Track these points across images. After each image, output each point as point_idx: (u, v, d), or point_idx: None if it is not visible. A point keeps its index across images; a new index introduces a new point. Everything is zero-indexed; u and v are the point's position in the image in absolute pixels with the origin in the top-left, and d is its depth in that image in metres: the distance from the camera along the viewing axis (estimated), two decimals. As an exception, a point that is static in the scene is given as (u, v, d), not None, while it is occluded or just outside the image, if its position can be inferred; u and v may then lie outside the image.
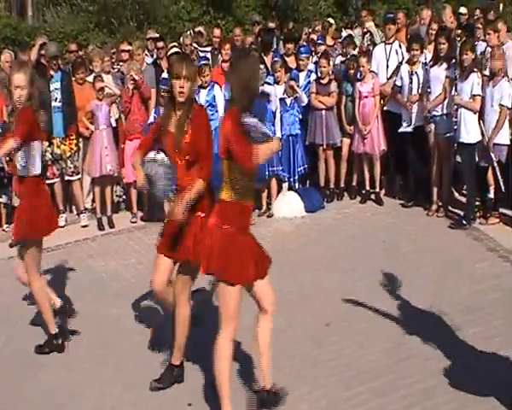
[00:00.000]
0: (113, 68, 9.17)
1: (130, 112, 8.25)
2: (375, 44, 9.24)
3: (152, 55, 9.88)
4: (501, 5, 9.16)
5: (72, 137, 8.31)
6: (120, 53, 9.50)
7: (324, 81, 8.60)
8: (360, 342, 5.11)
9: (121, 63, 9.27)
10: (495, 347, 4.81)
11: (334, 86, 8.62)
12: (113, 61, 9.43)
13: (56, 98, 8.20)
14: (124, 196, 8.99)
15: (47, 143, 8.14)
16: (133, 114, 8.26)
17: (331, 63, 8.93)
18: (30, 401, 4.64)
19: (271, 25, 11.15)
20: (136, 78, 8.12)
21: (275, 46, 9.91)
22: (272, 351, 4.97)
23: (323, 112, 8.57)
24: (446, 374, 4.54)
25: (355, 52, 9.08)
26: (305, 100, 8.52)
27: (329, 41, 10.23)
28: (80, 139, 8.54)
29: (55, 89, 8.20)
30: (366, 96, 8.46)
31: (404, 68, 8.24)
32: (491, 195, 7.70)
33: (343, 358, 4.90)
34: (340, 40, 10.14)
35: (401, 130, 8.26)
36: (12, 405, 4.59)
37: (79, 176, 8.48)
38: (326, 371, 4.72)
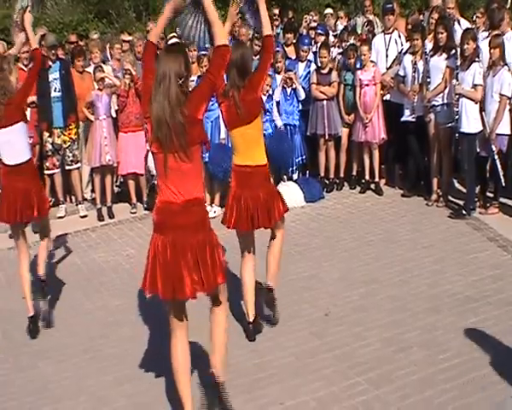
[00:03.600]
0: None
1: (126, 104, 8.23)
2: (373, 35, 9.18)
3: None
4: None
5: (71, 127, 8.30)
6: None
7: (325, 71, 8.57)
8: (358, 332, 5.11)
9: (121, 54, 9.25)
10: (494, 337, 4.82)
11: (334, 76, 8.58)
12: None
13: (56, 88, 8.18)
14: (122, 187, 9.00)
15: (47, 134, 8.15)
16: (128, 106, 8.24)
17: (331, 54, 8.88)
18: (26, 393, 4.63)
19: (275, 11, 11.08)
20: (134, 72, 8.12)
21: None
22: (271, 341, 5.02)
23: (324, 102, 8.54)
24: (444, 364, 4.55)
25: (353, 41, 9.02)
26: (303, 95, 8.48)
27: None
28: (82, 127, 8.56)
29: (54, 79, 8.18)
30: (367, 85, 8.42)
31: (407, 58, 8.18)
32: (491, 185, 7.70)
33: (341, 348, 4.89)
34: (334, 33, 10.08)
35: (404, 119, 8.21)
36: (10, 397, 4.59)
37: (78, 165, 8.47)
38: (324, 361, 4.72)
